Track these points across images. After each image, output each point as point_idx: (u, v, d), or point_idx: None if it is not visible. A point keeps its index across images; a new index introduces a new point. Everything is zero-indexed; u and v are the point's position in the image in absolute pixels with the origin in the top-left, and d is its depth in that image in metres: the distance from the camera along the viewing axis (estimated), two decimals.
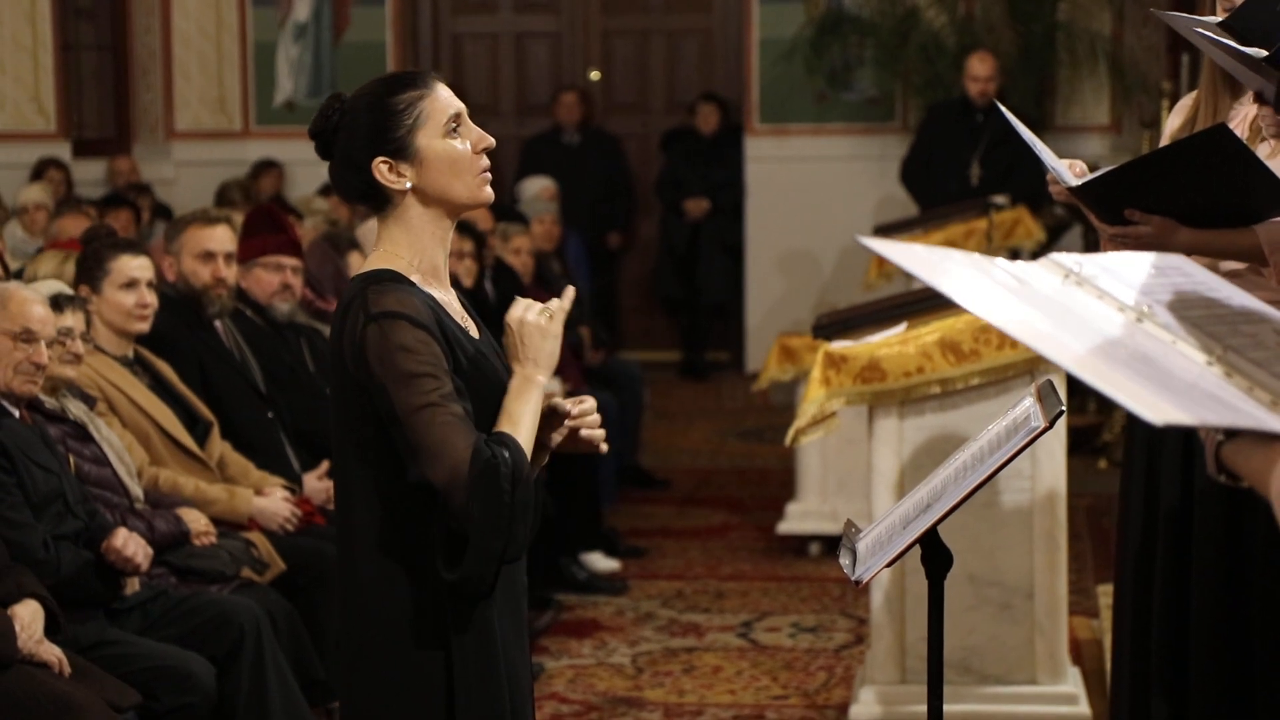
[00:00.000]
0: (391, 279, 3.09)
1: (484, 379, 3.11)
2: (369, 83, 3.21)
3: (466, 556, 2.99)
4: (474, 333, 3.20)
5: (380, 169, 3.12)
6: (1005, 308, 2.41)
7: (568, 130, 12.37)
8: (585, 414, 3.23)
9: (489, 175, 3.18)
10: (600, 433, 3.25)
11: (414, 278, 3.12)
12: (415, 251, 3.15)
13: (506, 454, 2.98)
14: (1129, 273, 2.48)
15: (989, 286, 2.45)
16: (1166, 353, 2.31)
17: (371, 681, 3.12)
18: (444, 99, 3.15)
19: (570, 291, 3.18)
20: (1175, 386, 2.22)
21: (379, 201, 3.16)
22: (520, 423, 3.05)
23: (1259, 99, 3.89)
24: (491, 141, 3.18)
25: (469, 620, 3.08)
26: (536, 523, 3.14)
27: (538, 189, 10.36)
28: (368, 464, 3.09)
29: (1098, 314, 2.40)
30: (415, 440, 2.99)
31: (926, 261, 2.50)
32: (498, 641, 3.12)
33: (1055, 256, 2.54)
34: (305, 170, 11.61)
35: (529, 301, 3.14)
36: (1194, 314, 2.37)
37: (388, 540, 3.09)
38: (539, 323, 3.10)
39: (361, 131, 3.12)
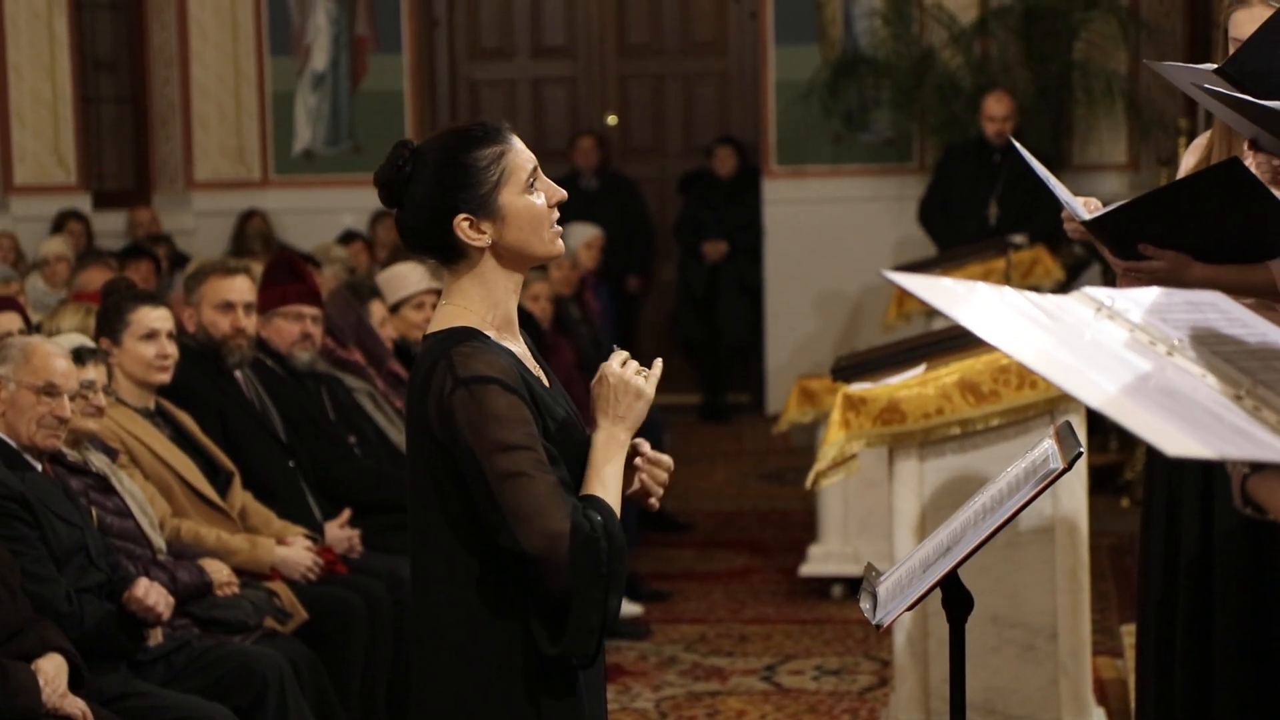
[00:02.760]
0: (472, 338, 3.07)
1: (569, 438, 3.10)
2: (444, 135, 3.18)
3: (568, 631, 2.99)
4: (545, 380, 3.19)
5: (462, 227, 3.09)
6: (1025, 340, 2.41)
7: (585, 175, 12.40)
8: (658, 463, 3.25)
9: (560, 229, 3.19)
10: (659, 490, 3.26)
11: (489, 333, 3.10)
12: (489, 305, 3.13)
13: (601, 521, 2.98)
14: (1162, 308, 2.48)
15: (1011, 319, 2.44)
16: (1195, 386, 2.31)
17: None
18: (523, 154, 3.14)
19: (660, 363, 3.18)
20: (1199, 420, 2.22)
21: (451, 255, 3.13)
22: (609, 485, 3.06)
23: (1254, 146, 3.89)
24: (564, 194, 3.18)
25: (558, 676, 3.08)
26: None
27: (588, 237, 10.34)
28: (451, 527, 3.07)
29: (1127, 348, 2.40)
30: (510, 510, 2.97)
31: (951, 294, 2.50)
32: (583, 697, 3.13)
33: (1088, 290, 2.54)
34: (318, 220, 11.65)
35: (627, 356, 3.14)
36: (1226, 349, 2.37)
37: (468, 601, 3.07)
38: (637, 385, 3.10)
39: (441, 187, 3.10)
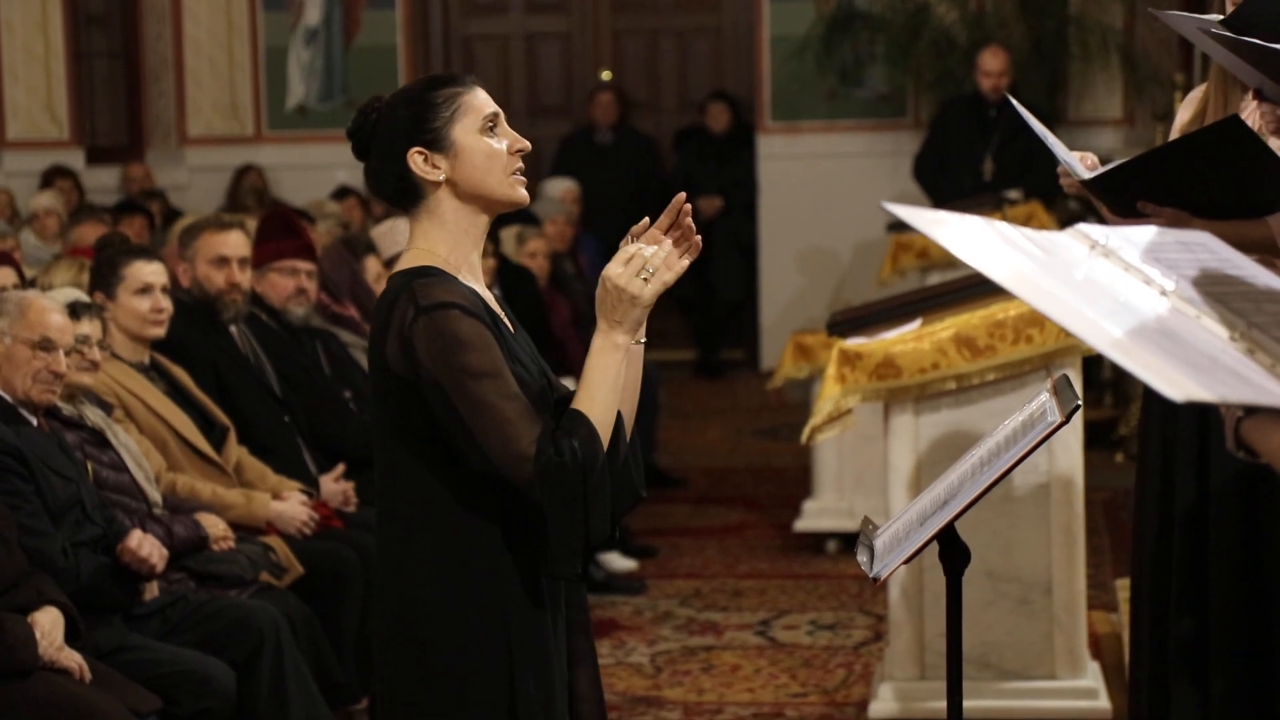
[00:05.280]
0: (435, 273, 3.09)
1: (525, 374, 3.09)
2: (408, 83, 3.25)
3: (551, 551, 3.02)
4: (510, 328, 3.19)
5: (415, 159, 3.12)
6: (1027, 276, 2.39)
7: (601, 130, 12.36)
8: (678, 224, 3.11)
9: (523, 177, 3.19)
10: (691, 232, 3.12)
11: (451, 273, 3.12)
12: (450, 248, 3.14)
13: (575, 444, 2.96)
14: (1156, 247, 2.46)
15: (1011, 255, 2.43)
16: (1190, 328, 2.30)
17: (426, 687, 3.11)
18: (481, 98, 3.17)
19: (667, 246, 3.08)
20: (1197, 362, 2.21)
21: (413, 196, 3.15)
22: (596, 395, 3.03)
23: (1258, 95, 3.89)
24: (527, 145, 3.19)
25: (525, 613, 3.09)
26: (637, 486, 3.16)
27: (561, 190, 10.34)
28: (417, 463, 3.08)
29: (1122, 286, 2.39)
30: (479, 435, 2.98)
31: (949, 227, 2.48)
32: (549, 631, 3.14)
33: (1082, 227, 2.53)
34: (311, 175, 11.62)
35: (634, 253, 3.05)
36: (1218, 290, 2.36)
37: (441, 540, 3.08)
38: (633, 291, 3.03)
39: (399, 125, 3.14)
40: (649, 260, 3.04)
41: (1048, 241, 2.48)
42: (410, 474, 3.10)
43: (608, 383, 3.04)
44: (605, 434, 3.02)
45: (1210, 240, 2.47)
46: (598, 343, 3.05)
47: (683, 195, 3.15)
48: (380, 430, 3.14)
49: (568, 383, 3.26)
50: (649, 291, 3.04)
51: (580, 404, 3.03)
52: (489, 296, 3.18)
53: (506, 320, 3.20)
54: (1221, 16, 3.87)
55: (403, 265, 3.15)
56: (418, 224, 3.17)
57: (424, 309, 3.02)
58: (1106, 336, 2.24)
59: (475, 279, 3.17)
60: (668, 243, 3.10)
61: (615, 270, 3.04)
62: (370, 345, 3.15)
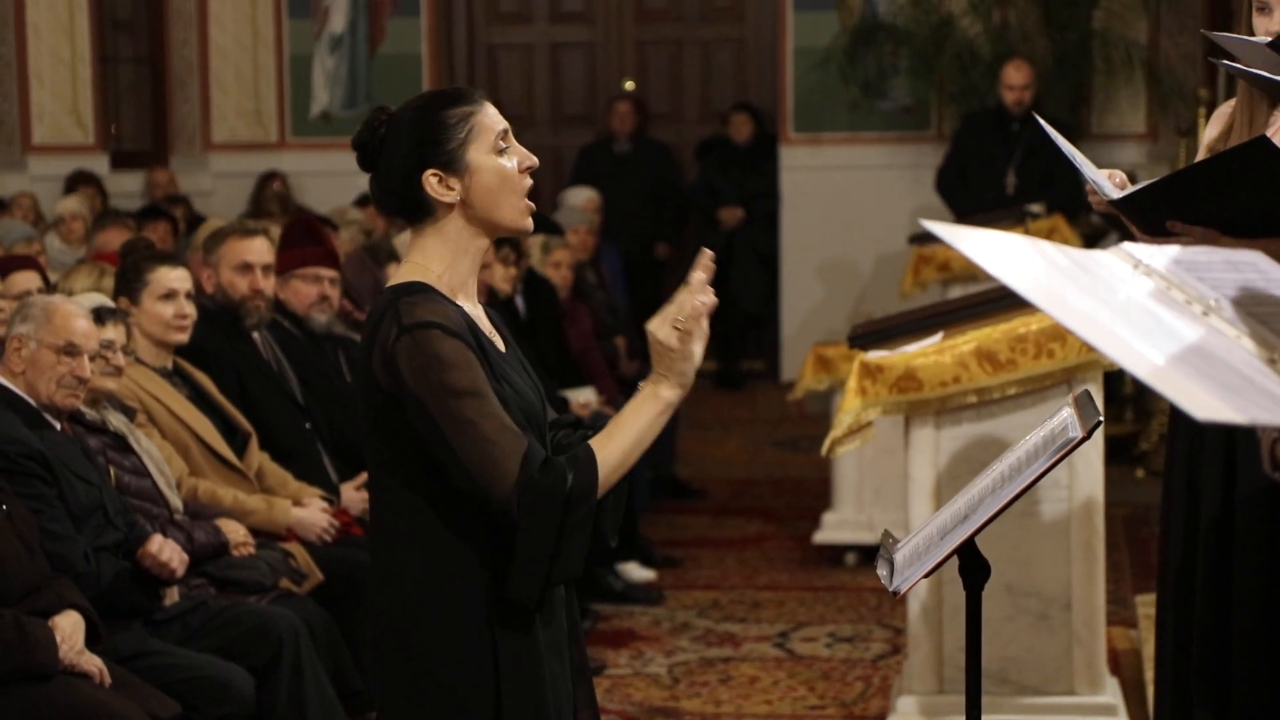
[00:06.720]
0: (422, 291, 3.10)
1: (511, 393, 3.10)
2: (416, 97, 3.24)
3: (511, 570, 3.00)
4: (501, 346, 3.20)
5: (430, 181, 3.13)
6: (1064, 298, 2.37)
7: (619, 139, 12.37)
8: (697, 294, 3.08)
9: (531, 204, 3.19)
10: (704, 286, 3.08)
11: (443, 291, 3.13)
12: (447, 266, 3.15)
13: (570, 475, 2.97)
14: (1201, 265, 2.45)
15: (1049, 275, 2.42)
16: (1229, 348, 2.29)
17: (418, 694, 3.12)
18: (492, 116, 3.17)
19: (690, 305, 3.02)
20: (1230, 383, 2.20)
21: (419, 213, 3.16)
22: (620, 438, 3.03)
23: None
24: (535, 161, 3.20)
25: (513, 627, 3.09)
26: (608, 535, 3.15)
27: (583, 200, 10.34)
28: (404, 477, 3.09)
29: (1162, 306, 2.37)
30: (461, 455, 2.99)
31: (986, 245, 2.47)
32: (540, 646, 3.13)
33: (1127, 246, 2.52)
34: (335, 182, 11.64)
35: (674, 314, 3.02)
36: (1261, 310, 2.35)
37: (429, 552, 3.09)
38: (679, 349, 3.02)
39: (412, 144, 3.14)
40: (678, 309, 3.02)
41: (1090, 261, 2.47)
42: (398, 488, 3.11)
43: (634, 430, 3.04)
44: (610, 476, 3.02)
45: (1260, 260, 2.45)
46: (644, 389, 3.06)
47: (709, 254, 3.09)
48: (370, 444, 3.16)
49: (588, 393, 3.25)
50: (695, 343, 3.02)
51: (597, 440, 3.04)
52: (480, 315, 3.20)
53: (499, 338, 3.21)
54: (1266, 40, 3.86)
55: (395, 280, 3.17)
56: (420, 238, 3.18)
57: (406, 328, 3.03)
58: (1138, 358, 2.23)
59: (468, 297, 3.18)
60: (684, 292, 3.05)
61: (654, 323, 3.05)
62: (359, 361, 3.17)
